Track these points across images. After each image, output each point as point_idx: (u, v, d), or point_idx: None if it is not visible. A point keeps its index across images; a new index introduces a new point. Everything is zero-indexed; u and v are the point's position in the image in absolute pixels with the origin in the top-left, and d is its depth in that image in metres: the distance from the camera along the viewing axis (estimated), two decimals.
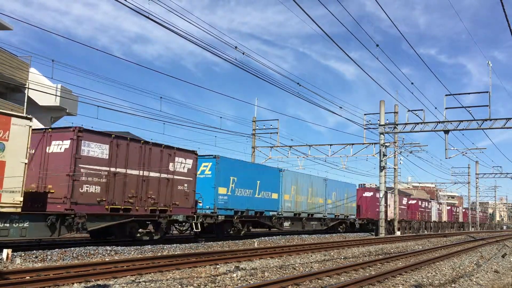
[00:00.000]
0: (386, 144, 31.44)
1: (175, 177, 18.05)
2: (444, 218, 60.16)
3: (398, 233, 36.24)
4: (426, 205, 52.75)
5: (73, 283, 8.70)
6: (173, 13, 13.27)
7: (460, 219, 69.71)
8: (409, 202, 47.36)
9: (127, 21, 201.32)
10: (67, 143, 14.43)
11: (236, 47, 16.31)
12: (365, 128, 32.53)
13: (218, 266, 12.11)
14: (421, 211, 49.64)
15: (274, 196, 25.07)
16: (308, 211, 28.59)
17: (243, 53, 16.84)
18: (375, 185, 53.17)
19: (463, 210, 73.58)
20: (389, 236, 31.71)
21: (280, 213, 25.29)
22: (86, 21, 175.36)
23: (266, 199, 24.20)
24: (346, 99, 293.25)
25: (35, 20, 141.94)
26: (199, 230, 19.12)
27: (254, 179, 23.35)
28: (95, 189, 14.80)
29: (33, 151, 14.61)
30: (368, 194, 39.38)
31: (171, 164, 17.85)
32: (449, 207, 64.24)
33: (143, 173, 16.53)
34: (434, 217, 54.80)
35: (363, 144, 32.96)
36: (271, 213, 24.57)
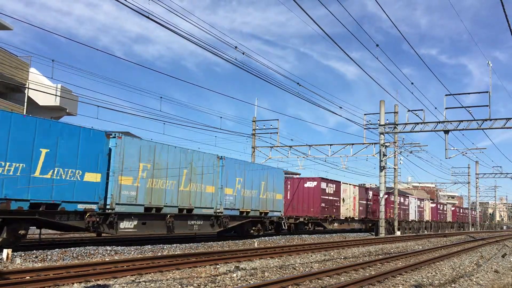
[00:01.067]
0: (386, 144, 31.46)
1: None
2: (427, 217, 52.10)
3: (398, 233, 36.25)
4: (401, 201, 43.97)
5: (73, 283, 8.70)
6: (174, 14, 13.27)
7: (449, 219, 62.31)
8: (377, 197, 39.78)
9: (129, 21, 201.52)
10: None
11: (236, 47, 16.32)
12: (365, 128, 32.56)
13: (218, 266, 12.11)
14: (393, 208, 40.82)
15: (90, 177, 15.03)
16: (181, 204, 18.56)
17: (243, 53, 16.85)
18: (375, 185, 53.02)
19: (453, 208, 66.61)
20: (389, 236, 31.72)
21: (107, 206, 15.53)
22: (88, 21, 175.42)
23: (65, 182, 14.25)
24: (347, 99, 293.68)
25: (37, 20, 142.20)
26: None
27: (28, 145, 13.38)
28: None
29: None
30: (311, 184, 30.49)
31: None
32: (433, 205, 56.37)
33: None
34: (412, 216, 46.66)
35: (363, 144, 32.96)
36: (82, 207, 14.75)
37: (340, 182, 33.54)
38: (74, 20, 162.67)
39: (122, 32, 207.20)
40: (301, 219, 29.24)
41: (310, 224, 30.03)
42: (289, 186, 30.94)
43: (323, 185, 30.98)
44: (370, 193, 39.51)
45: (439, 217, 57.07)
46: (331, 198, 31.88)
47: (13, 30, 27.64)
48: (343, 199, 33.53)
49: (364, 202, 37.84)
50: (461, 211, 70.46)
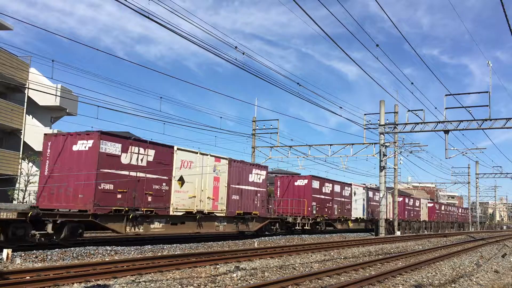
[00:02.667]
0: (386, 144, 31.46)
1: None
2: (386, 214, 36.27)
3: (398, 233, 36.24)
4: (335, 190, 32.37)
5: (73, 283, 8.70)
6: (176, 14, 13.28)
7: (423, 218, 50.28)
8: (296, 183, 29.47)
9: (131, 21, 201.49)
10: None
11: (236, 47, 16.31)
12: (365, 128, 32.57)
13: (218, 266, 12.11)
14: (322, 201, 30.22)
15: None
16: None
17: (243, 53, 16.84)
18: (375, 185, 52.84)
19: (430, 204, 54.99)
20: (389, 236, 31.71)
21: None
22: (90, 22, 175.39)
23: None
24: (349, 100, 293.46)
25: (39, 21, 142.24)
26: None
27: None
28: None
29: None
30: (83, 145, 15.77)
31: None
32: (400, 199, 41.58)
33: None
34: (359, 212, 35.94)
35: (363, 144, 32.98)
36: None
37: (172, 147, 18.35)
38: (76, 20, 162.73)
39: (124, 33, 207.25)
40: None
41: (52, 225, 14.04)
42: (49, 150, 16.35)
43: (109, 147, 15.82)
44: (262, 173, 23.94)
45: (407, 215, 44.58)
46: (137, 174, 16.62)
47: (13, 30, 27.67)
48: (181, 180, 18.69)
49: (248, 188, 22.83)
50: (442, 208, 60.22)
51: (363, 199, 37.10)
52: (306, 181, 29.56)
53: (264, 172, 24.38)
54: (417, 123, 28.59)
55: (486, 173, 64.00)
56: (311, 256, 16.01)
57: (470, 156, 65.69)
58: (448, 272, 13.22)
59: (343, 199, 33.70)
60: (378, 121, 31.83)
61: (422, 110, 28.54)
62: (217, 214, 20.86)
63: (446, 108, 27.32)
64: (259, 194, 23.76)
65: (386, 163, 31.65)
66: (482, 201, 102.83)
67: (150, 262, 11.83)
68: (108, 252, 14.11)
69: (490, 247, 25.59)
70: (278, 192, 30.08)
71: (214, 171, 20.26)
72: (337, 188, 33.27)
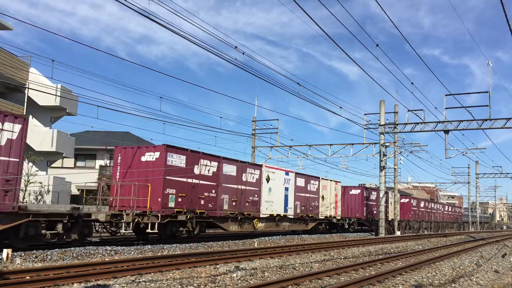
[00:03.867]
0: (386, 144, 31.46)
1: None
2: (329, 211, 30.80)
3: (398, 233, 36.23)
4: (230, 173, 20.91)
5: (73, 283, 8.71)
6: (177, 15, 13.27)
7: (392, 216, 37.99)
8: (143, 158, 17.69)
9: (132, 22, 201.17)
10: None
11: (236, 47, 16.31)
12: (365, 128, 32.57)
13: (218, 266, 12.11)
14: (193, 188, 18.68)
15: None
16: None
17: (243, 53, 16.85)
18: (375, 185, 52.80)
19: (405, 200, 45.07)
20: (389, 236, 31.71)
21: None
22: (92, 22, 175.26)
23: None
24: (349, 100, 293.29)
25: (41, 21, 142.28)
26: None
27: None
28: None
29: None
30: None
31: None
32: (356, 191, 34.56)
33: None
34: (278, 208, 24.75)
35: (363, 144, 32.98)
36: None
37: None
38: (78, 20, 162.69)
39: (126, 33, 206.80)
40: None
41: None
42: None
43: None
44: (7, 128, 12.68)
45: (366, 211, 34.30)
46: None
47: (13, 30, 27.68)
48: None
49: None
50: (421, 206, 48.97)
51: (286, 189, 25.91)
52: (157, 154, 17.87)
53: (17, 127, 12.91)
54: (417, 123, 28.60)
55: (486, 173, 64.04)
56: (311, 256, 16.01)
57: (470, 156, 65.54)
58: (448, 272, 13.22)
59: (242, 187, 21.91)
60: (378, 121, 31.84)
61: (422, 110, 28.56)
62: None
63: (446, 108, 27.35)
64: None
65: (386, 163, 31.66)
66: (482, 201, 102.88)
67: (150, 262, 11.83)
68: (108, 252, 14.11)
69: (490, 247, 25.59)
70: (119, 172, 18.68)
71: None
72: (230, 169, 21.11)
